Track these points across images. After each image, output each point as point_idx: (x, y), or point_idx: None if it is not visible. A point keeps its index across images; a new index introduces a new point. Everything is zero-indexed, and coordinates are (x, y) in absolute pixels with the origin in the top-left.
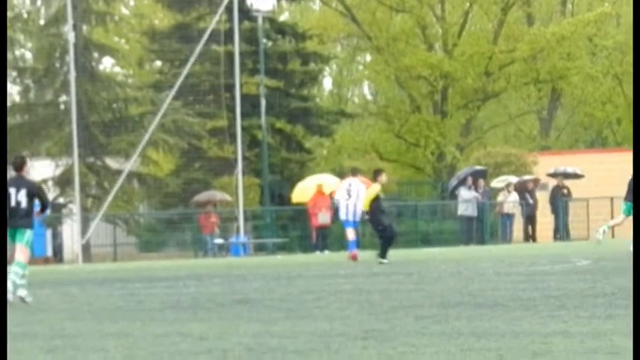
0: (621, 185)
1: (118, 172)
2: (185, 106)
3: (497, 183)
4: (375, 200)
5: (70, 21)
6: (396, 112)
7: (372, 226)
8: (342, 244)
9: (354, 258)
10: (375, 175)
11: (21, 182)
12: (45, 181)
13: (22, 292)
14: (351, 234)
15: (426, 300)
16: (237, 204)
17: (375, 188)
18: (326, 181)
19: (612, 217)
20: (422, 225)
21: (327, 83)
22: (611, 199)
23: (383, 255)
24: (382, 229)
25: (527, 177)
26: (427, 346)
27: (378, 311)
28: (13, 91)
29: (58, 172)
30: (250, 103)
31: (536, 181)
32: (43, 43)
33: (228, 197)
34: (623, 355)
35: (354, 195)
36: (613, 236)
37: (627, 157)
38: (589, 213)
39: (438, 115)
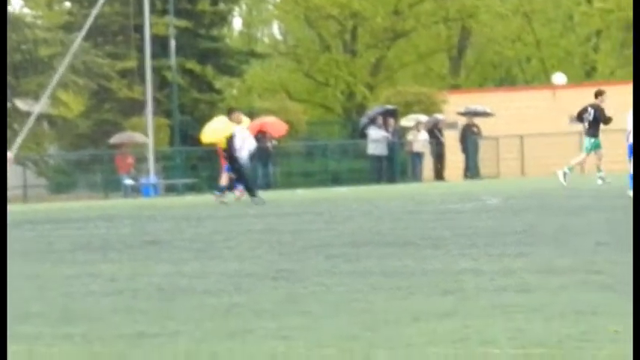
0: (531, 123)
1: (28, 114)
2: (95, 48)
3: (407, 122)
4: (231, 139)
5: None
6: (306, 51)
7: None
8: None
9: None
10: (229, 113)
11: None
12: None
13: None
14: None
15: (336, 239)
16: (148, 145)
17: (230, 127)
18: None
19: (522, 155)
20: (332, 164)
21: (237, 23)
22: (521, 137)
23: (252, 194)
24: (237, 167)
25: (437, 116)
26: (337, 285)
27: (288, 251)
28: None
29: None
30: (160, 44)
31: (446, 119)
32: None
33: (145, 138)
34: (533, 292)
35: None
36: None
37: (536, 95)
38: (499, 151)
39: (348, 55)
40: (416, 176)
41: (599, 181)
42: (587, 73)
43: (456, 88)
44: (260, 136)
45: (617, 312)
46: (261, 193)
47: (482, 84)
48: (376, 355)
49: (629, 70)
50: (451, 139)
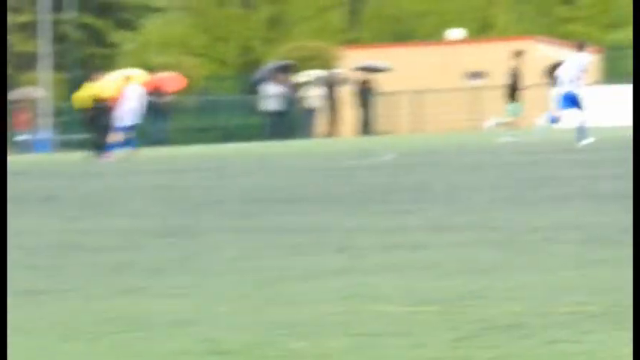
0: (428, 79)
1: None
2: None
3: (302, 77)
4: (99, 99)
5: None
6: (203, 5)
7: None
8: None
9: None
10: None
11: None
12: None
13: None
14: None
15: (229, 196)
16: (43, 100)
17: (95, 88)
18: (133, 75)
19: (418, 111)
20: (227, 120)
21: None
22: (417, 92)
23: (98, 152)
24: (102, 124)
25: (334, 70)
26: (230, 243)
27: (181, 208)
28: None
29: None
30: None
31: (342, 75)
32: None
33: (43, 93)
34: (426, 250)
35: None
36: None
37: (433, 51)
38: (395, 107)
39: (245, 9)
40: (310, 132)
41: (509, 138)
42: (483, 28)
43: (353, 43)
44: (155, 91)
45: (511, 269)
46: (156, 149)
47: (380, 39)
48: (267, 313)
49: (525, 25)
50: (346, 95)
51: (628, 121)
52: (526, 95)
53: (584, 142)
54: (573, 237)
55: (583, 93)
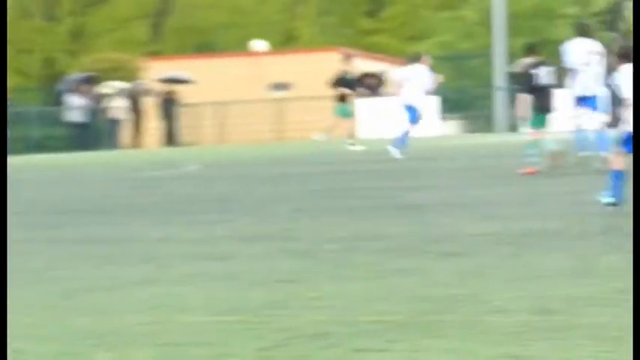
0: (231, 90)
1: None
2: None
3: (106, 88)
4: None
5: None
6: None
7: None
8: None
9: None
10: None
11: None
12: None
13: None
14: None
15: (35, 207)
16: None
17: None
18: None
19: (223, 122)
20: (32, 131)
21: None
22: (222, 104)
23: None
24: None
25: (138, 82)
26: (39, 253)
27: None
28: None
29: None
30: None
31: (145, 86)
32: None
33: None
34: (231, 260)
35: None
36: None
37: (237, 62)
38: (199, 118)
39: (48, 21)
40: (114, 143)
41: (351, 146)
42: (286, 40)
43: (156, 54)
44: None
45: (314, 279)
46: None
47: (183, 51)
48: (74, 323)
49: (328, 37)
50: (152, 107)
51: (435, 131)
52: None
53: (394, 152)
54: (374, 247)
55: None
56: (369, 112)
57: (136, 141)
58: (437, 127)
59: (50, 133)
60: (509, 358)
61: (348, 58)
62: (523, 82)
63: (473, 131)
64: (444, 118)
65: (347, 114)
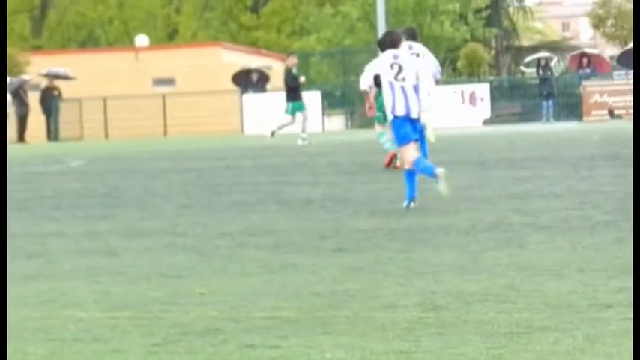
0: (114, 85)
1: None
2: None
3: None
4: None
5: None
6: None
7: None
8: None
9: None
10: None
11: None
12: None
13: None
14: None
15: None
16: None
17: None
18: None
19: (106, 117)
20: None
21: None
22: (104, 99)
23: None
24: None
25: (20, 77)
26: None
27: None
28: None
29: None
30: None
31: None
32: None
33: None
34: (118, 255)
35: None
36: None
37: (119, 57)
38: (82, 113)
39: None
40: None
41: (300, 141)
42: (169, 35)
43: (38, 49)
44: None
45: (201, 274)
46: None
47: (65, 45)
48: None
49: (210, 32)
50: (34, 102)
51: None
52: (216, 101)
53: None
54: (263, 242)
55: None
56: (255, 107)
57: (20, 136)
58: (321, 122)
59: None
60: (401, 353)
61: (290, 54)
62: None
63: (358, 127)
64: (328, 114)
65: (299, 110)
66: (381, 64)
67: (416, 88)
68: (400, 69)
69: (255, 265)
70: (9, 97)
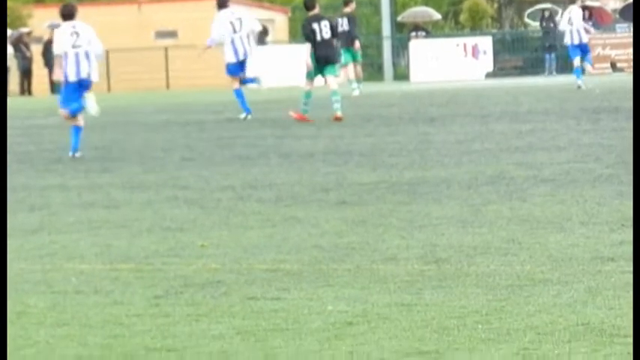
0: (116, 37)
1: None
2: None
3: None
4: None
5: None
6: None
7: None
8: None
9: None
10: None
11: None
12: None
13: None
14: None
15: None
16: None
17: None
18: None
19: (108, 70)
20: None
21: None
22: (107, 51)
23: None
24: None
25: (22, 29)
26: None
27: None
28: None
29: None
30: None
31: (29, 33)
32: None
33: None
34: (119, 208)
35: None
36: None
37: (121, 10)
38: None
39: None
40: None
41: (357, 92)
42: None
43: (41, 2)
44: None
45: (203, 227)
46: None
47: None
48: None
49: None
50: (37, 54)
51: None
52: (218, 54)
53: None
54: (265, 195)
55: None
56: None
57: (24, 88)
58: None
59: None
60: (402, 306)
61: (348, 2)
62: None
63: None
64: None
65: (354, 59)
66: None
67: None
68: None
69: (257, 218)
70: (10, 49)
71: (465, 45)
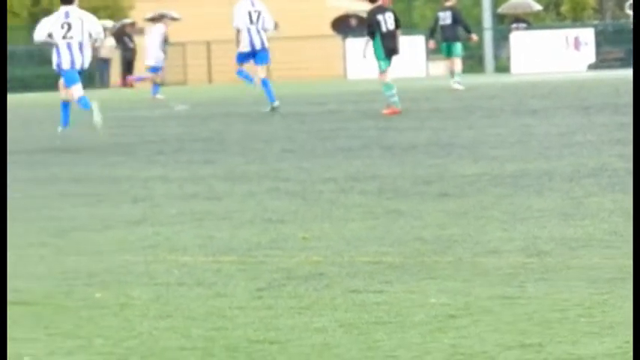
0: (218, 29)
1: None
2: None
3: None
4: None
5: None
6: None
7: None
8: None
9: None
10: None
11: None
12: None
13: None
14: None
15: (24, 146)
16: None
17: None
18: None
19: (209, 61)
20: (18, 71)
21: None
22: (208, 43)
23: None
24: None
25: (125, 21)
26: (25, 192)
27: None
28: None
29: None
30: None
31: (133, 25)
32: None
33: None
34: (221, 200)
35: None
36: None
37: (222, 2)
38: (185, 57)
39: None
40: (103, 82)
41: (457, 85)
42: None
43: None
44: None
45: (304, 219)
46: None
47: None
48: (65, 263)
49: None
50: (140, 46)
51: (413, 72)
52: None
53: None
54: (367, 188)
55: None
56: (358, 52)
57: (126, 80)
58: (424, 67)
59: (38, 72)
60: (504, 299)
61: None
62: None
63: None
64: (431, 59)
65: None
66: None
67: None
68: None
69: (359, 210)
70: (112, 41)
71: (566, 37)
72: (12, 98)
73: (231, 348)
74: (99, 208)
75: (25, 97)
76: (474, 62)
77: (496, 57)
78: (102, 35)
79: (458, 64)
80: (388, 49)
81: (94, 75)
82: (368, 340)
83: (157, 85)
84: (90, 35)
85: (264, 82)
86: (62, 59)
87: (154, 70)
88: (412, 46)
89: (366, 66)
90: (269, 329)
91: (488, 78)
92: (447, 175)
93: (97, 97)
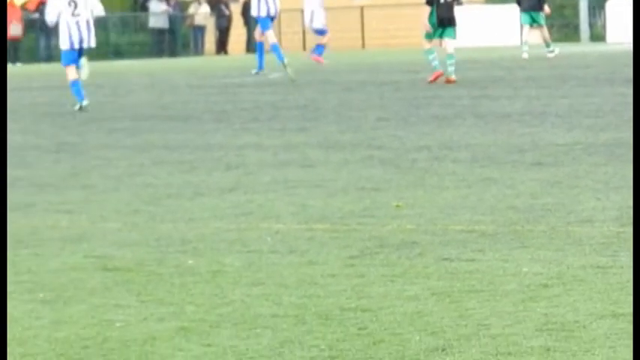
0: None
1: None
2: None
3: None
4: None
5: None
6: None
7: None
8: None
9: None
10: None
11: None
12: None
13: None
14: None
15: (118, 113)
16: None
17: None
18: None
19: (303, 29)
20: (113, 37)
21: None
22: (302, 10)
23: None
24: None
25: None
26: (120, 159)
27: (70, 124)
28: None
29: None
30: None
31: None
32: None
33: None
34: (315, 168)
35: None
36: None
37: None
38: (281, 25)
39: None
40: (198, 50)
41: (551, 54)
42: None
43: None
44: (42, 7)
45: (398, 187)
46: (43, 66)
47: None
48: (158, 230)
49: None
50: (234, 13)
51: (508, 41)
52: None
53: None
54: (460, 156)
55: None
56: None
57: (221, 47)
58: (518, 36)
59: (133, 39)
60: (597, 268)
61: None
62: None
63: (555, 40)
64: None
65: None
66: None
67: None
68: None
69: (452, 178)
70: (207, 8)
71: None
72: (104, 65)
73: (322, 315)
74: (192, 175)
75: (120, 63)
76: (569, 31)
77: (591, 25)
78: (103, 13)
79: (545, 32)
80: (440, 18)
81: (188, 42)
82: (460, 308)
83: (321, 47)
84: (92, 12)
85: (274, 47)
86: (61, 38)
87: (322, 32)
88: (508, 15)
89: (459, 34)
90: (361, 297)
91: (584, 47)
92: (540, 143)
93: (189, 64)
